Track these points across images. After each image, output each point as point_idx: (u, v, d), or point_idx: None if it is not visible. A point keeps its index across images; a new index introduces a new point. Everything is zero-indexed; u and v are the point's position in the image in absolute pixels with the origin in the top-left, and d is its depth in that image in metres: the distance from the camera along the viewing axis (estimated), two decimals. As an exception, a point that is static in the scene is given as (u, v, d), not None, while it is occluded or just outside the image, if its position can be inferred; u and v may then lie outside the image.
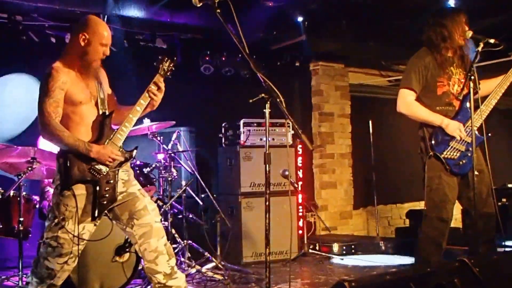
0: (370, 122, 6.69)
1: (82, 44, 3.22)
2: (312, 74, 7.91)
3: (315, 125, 7.84)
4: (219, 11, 2.67)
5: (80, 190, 3.16)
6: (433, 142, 3.65)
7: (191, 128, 6.03)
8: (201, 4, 2.69)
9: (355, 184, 8.09)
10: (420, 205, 8.50)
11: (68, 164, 3.13)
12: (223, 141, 5.97)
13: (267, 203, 2.50)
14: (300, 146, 6.12)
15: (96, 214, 3.18)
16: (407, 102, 3.71)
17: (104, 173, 3.20)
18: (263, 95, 2.58)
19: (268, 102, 2.58)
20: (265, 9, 6.01)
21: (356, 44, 7.17)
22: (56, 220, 3.15)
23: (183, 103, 6.23)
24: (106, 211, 3.25)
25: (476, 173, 3.40)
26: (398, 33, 6.68)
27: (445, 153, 3.64)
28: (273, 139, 5.78)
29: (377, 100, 8.35)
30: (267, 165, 2.54)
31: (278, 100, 2.57)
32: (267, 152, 2.56)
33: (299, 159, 6.11)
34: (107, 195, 3.20)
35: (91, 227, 3.23)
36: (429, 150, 3.67)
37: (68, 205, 3.14)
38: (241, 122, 5.70)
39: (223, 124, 6.01)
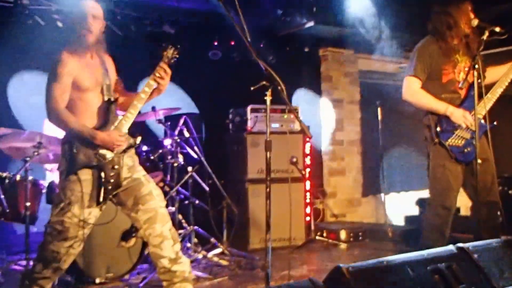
0: (379, 109, 6.72)
1: (78, 28, 3.31)
2: (321, 60, 7.94)
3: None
4: (221, -2, 2.73)
5: (85, 175, 3.26)
6: (438, 129, 3.71)
7: (198, 114, 6.11)
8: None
9: (364, 171, 8.15)
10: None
11: (74, 149, 3.24)
12: (230, 127, 6.04)
13: (267, 189, 2.59)
14: (308, 132, 6.17)
15: (101, 199, 3.29)
16: (413, 90, 3.76)
17: (109, 159, 3.30)
18: (264, 82, 2.65)
19: (270, 90, 2.65)
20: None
21: (360, 31, 7.17)
22: (62, 205, 3.25)
23: (190, 89, 6.30)
24: (111, 197, 3.37)
25: (479, 161, 3.45)
26: (408, 19, 6.69)
27: (450, 140, 3.70)
28: (282, 125, 5.86)
29: (387, 86, 8.36)
30: (268, 152, 2.62)
31: (279, 87, 2.64)
32: (268, 139, 2.64)
33: (307, 146, 6.16)
34: (112, 180, 3.30)
35: (96, 211, 3.34)
36: (434, 138, 3.73)
37: (74, 190, 3.24)
38: (248, 108, 5.76)
39: (230, 110, 6.07)
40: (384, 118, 6.90)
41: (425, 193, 8.15)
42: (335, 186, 7.82)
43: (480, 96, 3.62)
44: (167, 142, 5.07)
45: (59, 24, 5.93)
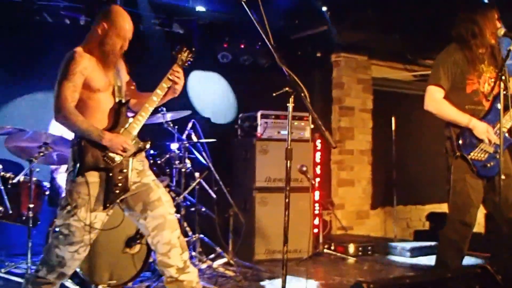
0: (393, 118, 6.70)
1: (100, 33, 3.30)
2: (333, 65, 7.93)
3: (335, 119, 7.87)
4: (245, 0, 2.72)
5: (93, 177, 3.25)
6: (460, 142, 3.68)
7: (206, 117, 6.10)
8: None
9: (373, 183, 8.12)
10: (441, 207, 8.55)
11: (82, 151, 3.22)
12: (238, 132, 6.02)
13: (287, 200, 2.57)
14: (319, 141, 6.16)
15: (108, 203, 3.28)
16: (436, 100, 3.73)
17: (118, 162, 3.28)
18: (287, 89, 2.64)
19: (292, 97, 2.63)
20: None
21: (381, 36, 7.17)
22: (68, 208, 3.24)
23: (198, 92, 6.29)
24: (118, 201, 3.35)
25: (502, 177, 3.43)
26: (425, 25, 6.69)
27: (472, 154, 3.67)
28: (292, 132, 5.82)
29: (401, 95, 8.36)
30: (288, 161, 2.60)
31: (302, 94, 2.63)
32: (289, 147, 2.62)
33: (317, 155, 6.14)
34: (120, 184, 3.28)
35: (103, 216, 3.32)
36: (455, 151, 3.70)
37: (81, 193, 3.23)
38: (259, 113, 5.74)
39: (239, 115, 6.05)
40: (397, 128, 6.88)
41: (436, 208, 8.19)
42: (343, 197, 7.79)
43: (506, 108, 3.59)
44: (174, 146, 5.05)
45: (67, 21, 5.99)
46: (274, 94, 2.72)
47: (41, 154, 4.24)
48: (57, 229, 3.29)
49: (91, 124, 3.24)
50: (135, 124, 3.38)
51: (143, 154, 3.49)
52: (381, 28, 6.86)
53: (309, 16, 6.74)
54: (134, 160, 3.37)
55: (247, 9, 2.69)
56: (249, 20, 6.60)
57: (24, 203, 4.37)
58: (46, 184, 4.69)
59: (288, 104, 2.64)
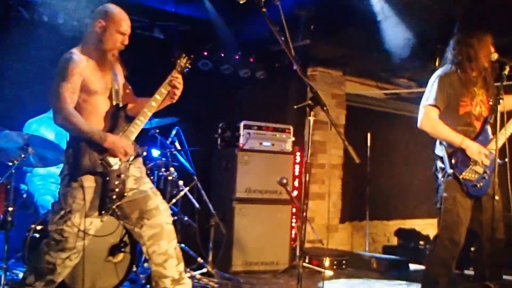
0: (369, 134, 6.81)
1: (98, 31, 3.26)
2: (309, 79, 7.95)
3: (308, 132, 7.89)
4: (264, 10, 2.72)
5: (89, 182, 3.18)
6: (453, 161, 3.76)
7: (186, 125, 6.02)
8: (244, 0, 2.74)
9: (343, 197, 8.21)
10: (405, 223, 8.73)
11: (78, 154, 3.15)
12: (218, 142, 5.98)
13: (304, 213, 2.57)
14: (298, 153, 6.19)
15: (103, 209, 3.20)
16: (431, 119, 3.81)
17: (115, 167, 3.22)
18: (309, 102, 2.65)
19: (314, 110, 2.64)
20: (271, 10, 6.08)
21: (357, 52, 7.29)
22: (62, 212, 3.16)
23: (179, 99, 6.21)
24: (114, 208, 3.27)
25: (496, 197, 3.54)
26: (401, 44, 6.85)
27: (464, 174, 3.76)
28: (273, 144, 5.85)
29: (372, 112, 8.50)
30: (307, 175, 2.61)
31: (325, 108, 2.65)
32: (308, 161, 2.63)
33: (297, 167, 6.17)
34: (116, 190, 3.22)
35: (97, 222, 3.25)
36: (448, 169, 3.79)
37: (76, 197, 3.16)
38: (241, 124, 5.72)
39: (220, 125, 6.01)
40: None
41: (402, 224, 8.34)
42: (314, 211, 7.83)
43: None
44: (157, 153, 4.98)
45: (45, 18, 5.82)
46: (295, 107, 2.73)
47: (23, 156, 4.10)
48: (48, 234, 3.19)
49: (92, 126, 3.17)
50: (133, 129, 3.33)
51: (141, 160, 3.44)
52: (358, 45, 6.97)
53: (290, 29, 6.77)
54: (132, 166, 3.31)
55: (266, 19, 2.69)
56: (229, 28, 6.51)
57: (1, 206, 4.21)
58: (24, 187, 4.53)
59: (309, 117, 2.65)
